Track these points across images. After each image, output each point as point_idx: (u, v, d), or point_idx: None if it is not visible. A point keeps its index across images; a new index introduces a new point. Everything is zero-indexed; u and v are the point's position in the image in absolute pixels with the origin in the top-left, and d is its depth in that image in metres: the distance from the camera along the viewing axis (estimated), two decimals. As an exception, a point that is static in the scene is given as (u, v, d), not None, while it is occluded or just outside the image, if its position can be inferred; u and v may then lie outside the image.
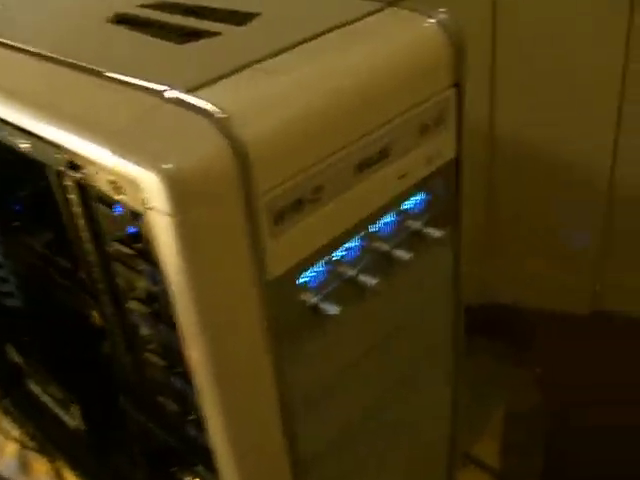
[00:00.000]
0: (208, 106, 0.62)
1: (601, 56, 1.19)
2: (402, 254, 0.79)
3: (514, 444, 1.33)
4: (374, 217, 0.77)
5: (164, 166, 0.58)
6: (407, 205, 0.81)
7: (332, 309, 0.73)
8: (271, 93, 0.67)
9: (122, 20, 0.88)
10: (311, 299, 0.73)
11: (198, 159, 0.60)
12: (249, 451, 0.74)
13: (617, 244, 1.35)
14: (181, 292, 0.63)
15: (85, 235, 0.78)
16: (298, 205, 0.67)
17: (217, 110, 0.61)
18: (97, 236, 0.77)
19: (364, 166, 0.72)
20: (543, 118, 1.28)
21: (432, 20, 0.79)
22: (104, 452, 1.12)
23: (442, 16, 0.79)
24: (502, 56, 1.26)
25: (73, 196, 0.75)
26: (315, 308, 0.74)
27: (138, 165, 0.59)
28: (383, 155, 0.74)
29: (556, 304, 1.41)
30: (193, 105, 0.63)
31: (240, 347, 0.68)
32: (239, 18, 0.82)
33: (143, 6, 0.91)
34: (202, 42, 0.77)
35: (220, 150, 0.60)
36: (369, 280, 0.76)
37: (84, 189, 0.73)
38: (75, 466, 1.21)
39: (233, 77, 0.68)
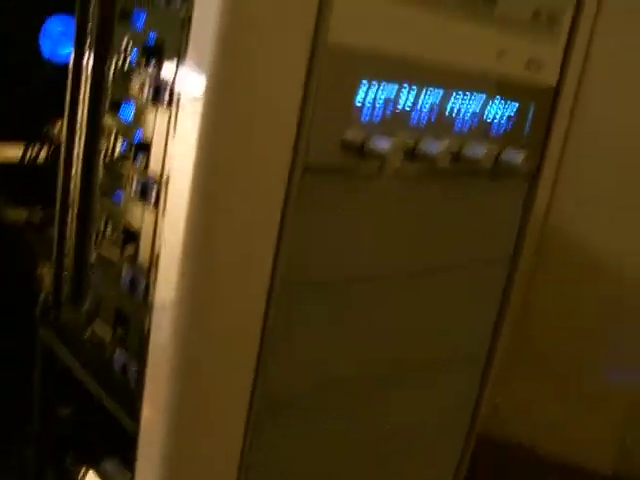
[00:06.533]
0: None
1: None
2: (477, 150, 0.62)
3: None
4: (458, 83, 0.61)
5: None
6: (492, 113, 0.66)
7: (385, 143, 0.55)
8: None
9: None
10: (360, 135, 0.56)
11: None
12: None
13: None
14: None
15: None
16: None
17: None
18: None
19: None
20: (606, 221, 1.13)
21: None
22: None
23: None
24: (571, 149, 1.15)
25: None
26: (362, 148, 0.56)
27: None
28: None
29: (575, 456, 1.16)
30: None
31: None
32: None
33: None
34: None
35: None
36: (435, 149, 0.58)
37: None
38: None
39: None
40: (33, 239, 0.87)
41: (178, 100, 0.53)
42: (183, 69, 0.53)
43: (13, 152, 0.98)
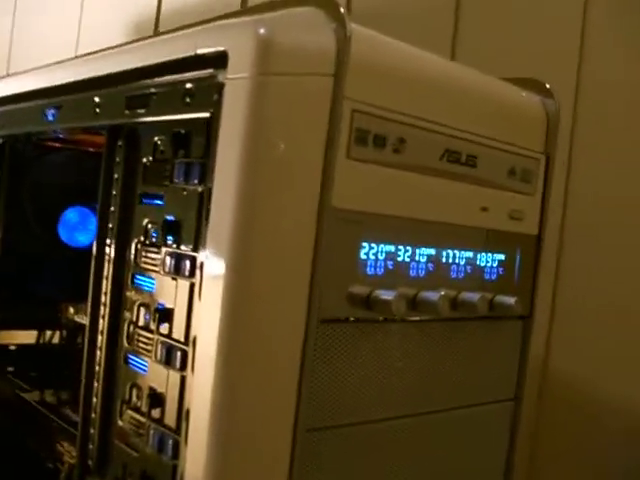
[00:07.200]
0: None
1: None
2: (473, 296, 0.68)
3: None
4: (449, 238, 0.68)
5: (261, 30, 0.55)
6: (484, 261, 0.72)
7: (389, 295, 0.60)
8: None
9: None
10: (365, 289, 0.61)
11: (296, 29, 0.56)
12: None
13: None
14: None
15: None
16: (381, 142, 0.60)
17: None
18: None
19: (451, 158, 0.66)
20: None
21: (538, 97, 0.79)
22: None
23: (547, 100, 0.79)
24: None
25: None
26: (368, 300, 0.61)
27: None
28: (470, 161, 0.68)
29: None
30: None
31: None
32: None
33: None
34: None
35: (324, 31, 0.57)
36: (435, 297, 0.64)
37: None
38: None
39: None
40: (48, 419, 0.90)
41: (200, 271, 0.59)
42: (203, 243, 0.59)
43: (26, 337, 1.03)
